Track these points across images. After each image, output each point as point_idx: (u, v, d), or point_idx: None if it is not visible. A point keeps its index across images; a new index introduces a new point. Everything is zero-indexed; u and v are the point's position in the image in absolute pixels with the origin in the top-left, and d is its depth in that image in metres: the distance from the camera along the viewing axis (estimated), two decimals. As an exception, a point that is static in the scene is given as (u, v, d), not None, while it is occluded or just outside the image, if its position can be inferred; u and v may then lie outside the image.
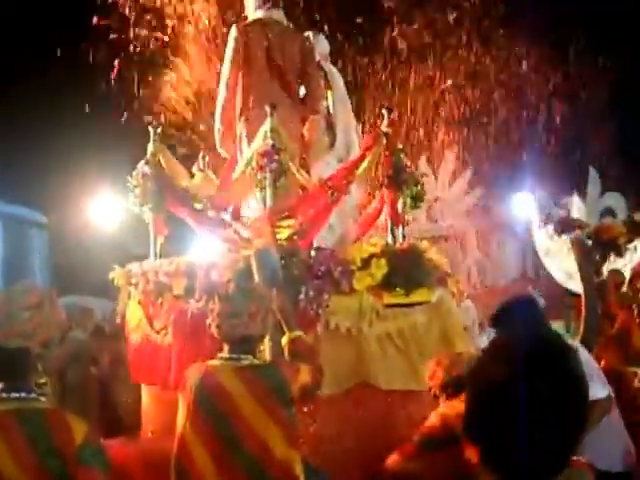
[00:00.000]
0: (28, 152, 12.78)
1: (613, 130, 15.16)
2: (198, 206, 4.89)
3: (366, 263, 4.48)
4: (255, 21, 5.51)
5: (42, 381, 2.45)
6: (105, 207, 9.51)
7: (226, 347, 3.26)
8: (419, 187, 4.92)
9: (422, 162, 15.35)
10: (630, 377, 4.41)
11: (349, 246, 5.16)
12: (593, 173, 14.67)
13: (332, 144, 5.68)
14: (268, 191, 4.55)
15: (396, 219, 4.79)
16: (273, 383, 3.15)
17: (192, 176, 5.68)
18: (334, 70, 5.89)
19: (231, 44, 5.39)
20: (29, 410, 2.33)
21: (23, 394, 2.35)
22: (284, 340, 3.53)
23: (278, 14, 5.52)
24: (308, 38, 5.67)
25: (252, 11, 5.59)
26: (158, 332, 4.76)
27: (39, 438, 2.28)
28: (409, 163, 4.88)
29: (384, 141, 4.81)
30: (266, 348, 3.76)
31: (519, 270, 14.63)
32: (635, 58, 13.43)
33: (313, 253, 4.49)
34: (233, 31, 5.41)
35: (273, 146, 4.53)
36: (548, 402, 1.32)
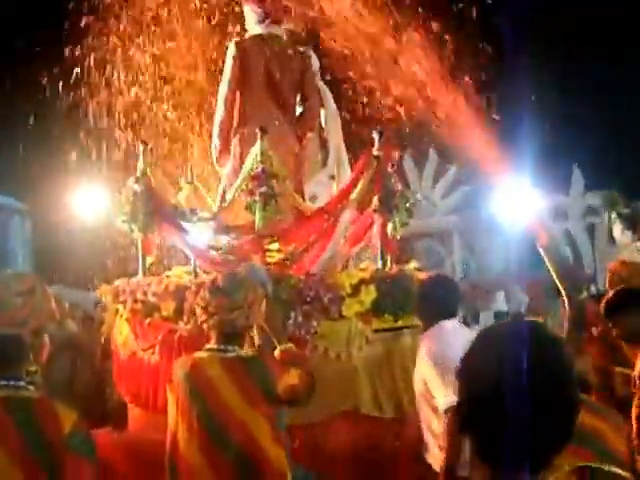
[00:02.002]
0: (9, 139, 12.61)
1: (599, 129, 15.21)
2: (186, 225, 4.87)
3: (356, 289, 4.50)
4: (254, 37, 5.46)
5: (32, 369, 2.43)
6: (88, 196, 9.41)
7: (213, 338, 3.23)
8: (409, 209, 4.93)
9: (407, 159, 15.38)
10: (620, 378, 4.41)
11: (339, 263, 5.18)
12: (577, 172, 14.75)
13: (325, 162, 5.64)
14: (257, 215, 4.54)
15: (386, 243, 4.79)
16: (259, 376, 3.12)
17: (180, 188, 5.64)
18: (325, 87, 5.83)
19: (229, 61, 5.34)
20: (18, 399, 2.33)
21: (12, 382, 2.34)
22: (276, 352, 3.52)
23: (278, 30, 5.47)
24: (309, 56, 5.58)
25: (252, 26, 5.52)
26: (145, 350, 4.75)
27: (27, 427, 2.28)
28: (400, 186, 4.87)
29: (375, 164, 4.80)
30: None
31: (503, 267, 14.72)
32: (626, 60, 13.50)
33: (302, 278, 4.48)
34: (231, 48, 5.36)
35: (263, 170, 4.52)
36: (539, 391, 1.32)
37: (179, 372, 3.21)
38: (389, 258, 4.82)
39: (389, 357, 4.56)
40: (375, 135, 4.88)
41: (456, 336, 3.55)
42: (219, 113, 5.39)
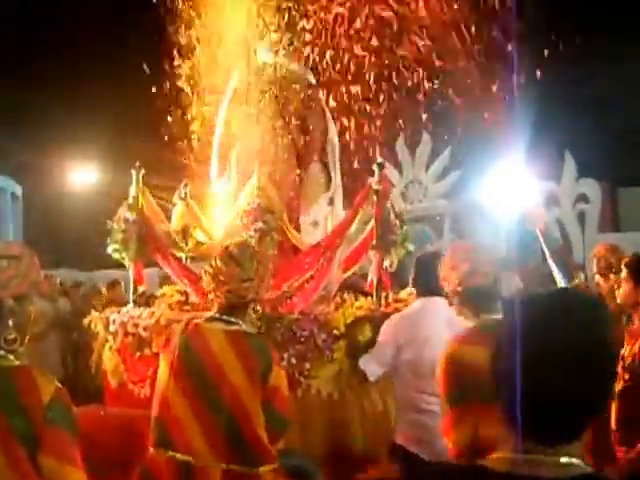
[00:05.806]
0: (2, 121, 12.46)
1: (592, 115, 15.11)
2: (179, 255, 4.79)
3: (350, 328, 4.43)
4: (261, 64, 5.48)
5: (11, 337, 2.36)
6: (79, 177, 9.27)
7: (216, 307, 3.15)
8: (406, 243, 4.85)
9: (399, 143, 15.22)
10: None
11: (334, 288, 5.12)
12: (569, 159, 14.67)
13: (328, 186, 5.54)
14: (253, 250, 4.44)
15: (382, 281, 4.72)
16: (261, 356, 3.05)
17: (173, 205, 5.53)
18: (328, 113, 5.72)
19: (232, 83, 5.32)
20: None
21: None
22: None
23: (284, 61, 5.46)
24: (315, 86, 5.54)
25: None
26: (135, 384, 4.70)
27: (4, 396, 2.20)
28: (399, 224, 4.77)
29: (375, 199, 4.71)
30: None
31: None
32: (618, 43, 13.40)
33: (296, 317, 4.41)
34: (235, 73, 5.35)
35: (259, 205, 4.42)
36: (574, 359, 1.27)
37: (177, 336, 3.13)
38: (384, 295, 4.76)
39: (383, 397, 4.52)
40: (375, 168, 4.78)
41: (428, 316, 3.59)
42: (218, 132, 5.31)
